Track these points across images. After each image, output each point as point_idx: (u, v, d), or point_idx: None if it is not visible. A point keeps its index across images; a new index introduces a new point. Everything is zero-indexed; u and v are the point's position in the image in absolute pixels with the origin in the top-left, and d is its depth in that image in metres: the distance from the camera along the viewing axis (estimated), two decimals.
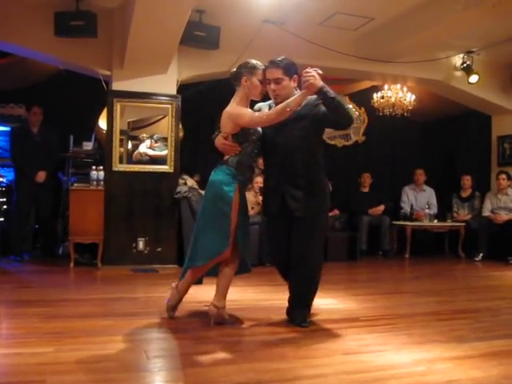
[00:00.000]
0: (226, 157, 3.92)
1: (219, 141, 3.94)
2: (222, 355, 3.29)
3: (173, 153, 7.06)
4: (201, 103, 8.27)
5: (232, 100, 3.97)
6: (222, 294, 3.97)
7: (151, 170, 6.97)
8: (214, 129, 8.73)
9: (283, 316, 4.17)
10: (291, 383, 2.83)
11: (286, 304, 4.40)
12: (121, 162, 6.92)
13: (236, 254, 3.98)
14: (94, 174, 6.88)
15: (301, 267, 4.01)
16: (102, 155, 7.19)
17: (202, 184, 7.48)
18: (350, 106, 3.91)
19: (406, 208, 9.36)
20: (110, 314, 4.24)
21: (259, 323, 4.09)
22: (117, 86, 6.92)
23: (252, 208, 7.48)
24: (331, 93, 3.70)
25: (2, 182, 6.97)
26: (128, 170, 6.90)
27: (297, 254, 4.01)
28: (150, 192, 6.91)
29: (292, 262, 4.05)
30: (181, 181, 7.10)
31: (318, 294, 4.22)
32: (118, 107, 6.88)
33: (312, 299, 4.17)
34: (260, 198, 7.49)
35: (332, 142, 10.29)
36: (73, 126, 7.84)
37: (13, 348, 3.33)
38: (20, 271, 6.69)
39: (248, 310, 4.54)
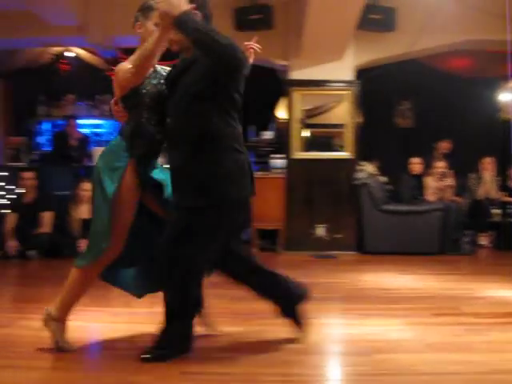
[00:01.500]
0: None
1: (110, 105, 3.16)
2: (405, 343, 3.22)
3: (352, 139, 7.02)
4: (377, 88, 8.12)
5: None
6: (60, 302, 3.03)
7: (330, 157, 7.00)
8: (391, 114, 8.64)
9: (472, 306, 3.99)
10: (488, 377, 2.69)
11: (474, 294, 4.20)
12: (300, 149, 7.03)
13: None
14: (274, 162, 7.08)
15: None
16: (281, 144, 7.36)
17: (382, 170, 7.39)
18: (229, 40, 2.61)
19: None
20: None
21: (446, 313, 3.94)
22: (294, 75, 7.04)
23: (434, 193, 7.23)
24: (196, 22, 2.66)
25: None
26: (307, 157, 6.99)
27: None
28: (329, 179, 6.93)
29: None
30: (360, 167, 7.04)
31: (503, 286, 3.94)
32: (295, 96, 7.00)
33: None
34: (441, 183, 7.25)
35: None
36: (252, 116, 8.10)
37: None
38: None
39: (433, 298, 4.40)
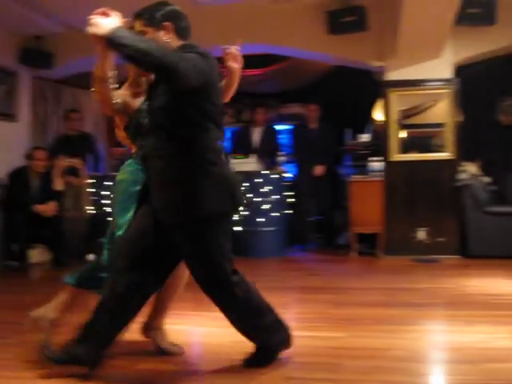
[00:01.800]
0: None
1: (115, 132, 3.24)
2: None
3: (453, 139, 6.79)
4: (478, 84, 7.82)
5: None
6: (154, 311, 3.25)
7: (430, 158, 6.77)
8: (493, 111, 8.31)
9: None
10: None
11: None
12: (398, 151, 6.88)
13: None
14: (372, 165, 6.98)
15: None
16: (379, 146, 7.25)
17: (485, 170, 7.09)
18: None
19: None
20: (395, 304, 4.27)
21: None
22: (390, 75, 6.90)
23: None
24: (126, 38, 2.50)
25: (287, 176, 7.49)
26: (406, 159, 6.83)
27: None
28: (429, 180, 6.73)
29: None
30: (462, 168, 6.78)
31: None
32: (392, 97, 6.87)
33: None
34: None
35: None
36: (348, 119, 8.05)
37: (307, 331, 3.56)
38: (305, 260, 7.12)
39: None
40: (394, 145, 6.85)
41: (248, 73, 8.71)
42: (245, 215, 6.91)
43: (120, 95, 3.01)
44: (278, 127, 8.35)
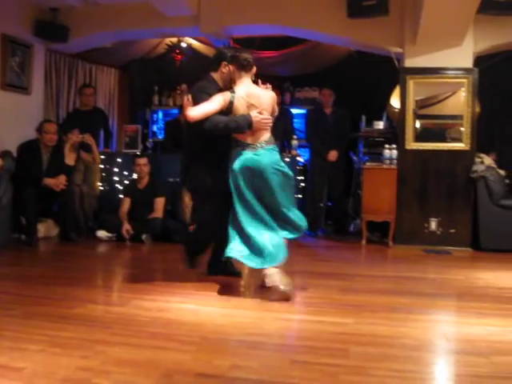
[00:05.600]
0: (265, 138, 4.15)
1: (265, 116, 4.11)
2: None
3: (469, 130, 6.66)
4: (497, 75, 7.67)
5: (247, 82, 4.25)
6: None
7: (445, 148, 6.66)
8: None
9: None
10: None
11: None
12: (413, 140, 6.75)
13: None
14: (386, 152, 6.86)
15: None
16: (394, 134, 7.14)
17: (501, 163, 6.98)
18: None
19: None
20: (405, 293, 4.20)
21: None
22: (409, 62, 6.77)
23: None
24: None
25: (299, 161, 7.40)
26: (421, 148, 6.72)
27: None
28: (443, 171, 6.62)
29: None
30: (477, 159, 6.66)
31: None
32: (410, 84, 6.74)
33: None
34: None
35: None
36: (364, 105, 7.94)
37: (313, 315, 3.52)
38: (315, 246, 7.05)
39: None
40: (409, 133, 6.74)
41: (263, 55, 8.61)
42: None
43: None
44: (292, 111, 8.25)
